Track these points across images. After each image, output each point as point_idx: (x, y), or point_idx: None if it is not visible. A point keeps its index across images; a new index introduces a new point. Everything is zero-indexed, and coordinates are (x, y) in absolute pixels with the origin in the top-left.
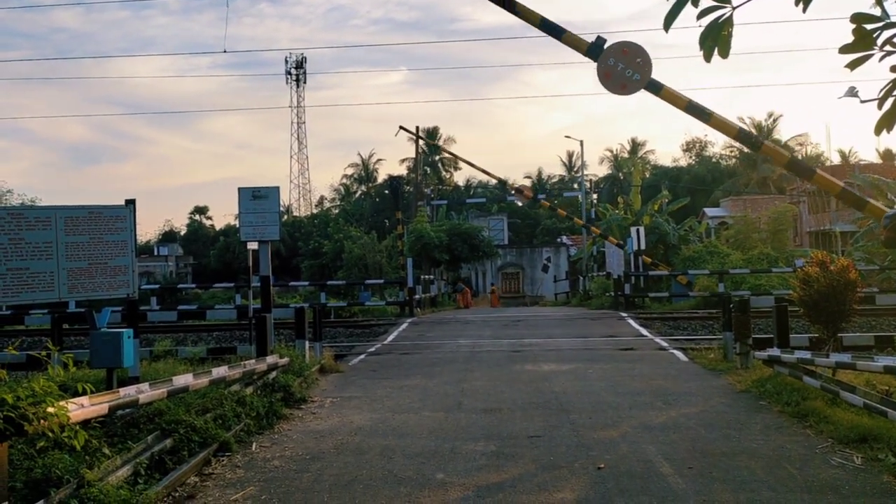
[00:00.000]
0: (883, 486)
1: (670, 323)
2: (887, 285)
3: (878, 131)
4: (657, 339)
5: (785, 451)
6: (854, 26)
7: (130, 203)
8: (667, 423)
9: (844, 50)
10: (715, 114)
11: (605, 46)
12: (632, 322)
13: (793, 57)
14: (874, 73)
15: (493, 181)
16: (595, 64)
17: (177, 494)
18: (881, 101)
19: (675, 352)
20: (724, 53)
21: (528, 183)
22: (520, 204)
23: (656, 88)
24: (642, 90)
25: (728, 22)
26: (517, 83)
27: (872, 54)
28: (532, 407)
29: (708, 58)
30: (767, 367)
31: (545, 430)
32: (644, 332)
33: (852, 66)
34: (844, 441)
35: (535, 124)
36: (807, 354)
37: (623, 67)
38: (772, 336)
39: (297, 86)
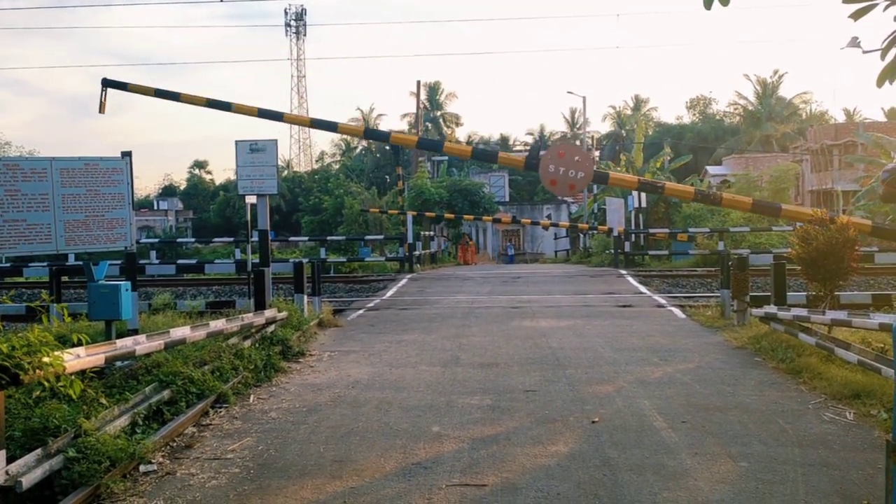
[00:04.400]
0: (873, 441)
1: (669, 280)
2: (886, 244)
3: (880, 83)
4: (655, 297)
5: (778, 407)
6: None
7: (127, 155)
8: (662, 378)
9: None
10: (668, 183)
11: (541, 155)
12: (631, 279)
13: (799, 12)
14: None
15: (495, 137)
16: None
17: (174, 444)
18: (884, 52)
19: (672, 309)
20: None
21: (529, 140)
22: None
23: (603, 178)
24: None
25: None
26: (521, 38)
27: (876, 4)
28: (529, 362)
29: (708, 5)
30: (764, 325)
31: (541, 384)
32: (643, 289)
33: (856, 16)
34: (838, 397)
35: (537, 80)
36: (803, 312)
37: (565, 171)
38: (769, 294)
39: (297, 38)
